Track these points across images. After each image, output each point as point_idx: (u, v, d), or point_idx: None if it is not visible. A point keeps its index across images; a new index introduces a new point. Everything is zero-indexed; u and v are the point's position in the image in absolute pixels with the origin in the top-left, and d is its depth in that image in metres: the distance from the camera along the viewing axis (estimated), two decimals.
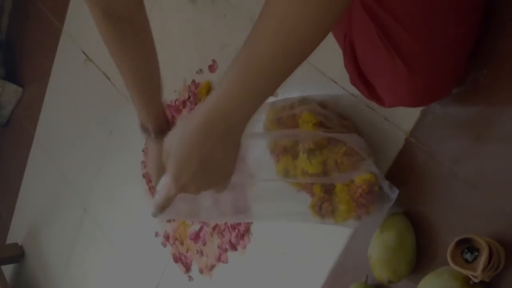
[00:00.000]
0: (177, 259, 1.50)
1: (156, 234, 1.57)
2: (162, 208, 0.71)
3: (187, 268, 1.47)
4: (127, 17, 0.91)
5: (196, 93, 1.39)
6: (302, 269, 1.16)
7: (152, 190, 1.55)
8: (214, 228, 1.36)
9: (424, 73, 0.77)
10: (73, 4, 1.93)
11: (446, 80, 0.81)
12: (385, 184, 0.92)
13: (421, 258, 0.92)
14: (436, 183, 0.91)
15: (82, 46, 1.90)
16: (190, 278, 1.46)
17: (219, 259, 1.36)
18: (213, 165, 0.65)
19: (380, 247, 0.92)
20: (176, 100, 1.45)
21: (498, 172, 0.83)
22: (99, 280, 1.92)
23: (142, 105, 1.01)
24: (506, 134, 0.82)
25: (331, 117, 0.98)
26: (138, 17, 0.94)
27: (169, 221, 1.52)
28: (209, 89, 1.36)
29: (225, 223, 1.33)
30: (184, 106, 1.44)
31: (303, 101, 1.00)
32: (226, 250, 1.33)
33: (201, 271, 1.42)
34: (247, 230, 1.28)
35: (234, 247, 1.31)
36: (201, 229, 1.41)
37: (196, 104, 1.39)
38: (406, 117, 0.94)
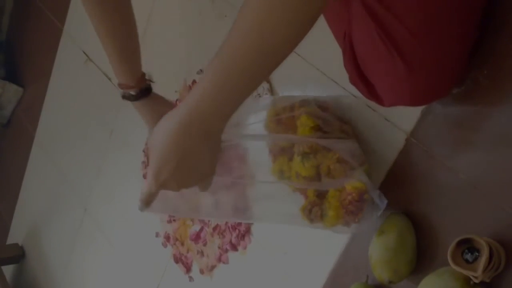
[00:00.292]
0: (177, 259, 1.50)
1: (157, 235, 1.57)
2: (146, 203, 0.74)
3: (188, 269, 1.47)
4: None
5: None
6: (303, 269, 1.16)
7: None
8: (214, 228, 1.36)
9: (424, 72, 0.77)
10: (73, 4, 1.93)
11: (446, 79, 0.81)
12: (375, 193, 0.93)
13: (422, 258, 0.92)
14: (436, 183, 0.91)
15: (82, 46, 1.90)
16: (191, 278, 1.46)
17: (219, 260, 1.36)
18: (192, 163, 0.68)
19: (380, 247, 0.92)
20: (177, 100, 1.45)
21: (498, 172, 0.83)
22: (99, 280, 1.92)
23: (121, 63, 1.04)
24: (506, 134, 0.82)
25: (330, 121, 0.98)
26: None
27: (169, 221, 1.52)
28: None
29: (226, 224, 1.33)
30: None
31: (304, 102, 1.00)
32: (226, 251, 1.33)
33: (201, 272, 1.42)
34: (248, 231, 1.28)
35: (234, 247, 1.31)
36: (201, 229, 1.41)
37: None
38: (406, 117, 0.94)
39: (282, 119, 0.99)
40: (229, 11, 1.29)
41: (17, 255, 2.40)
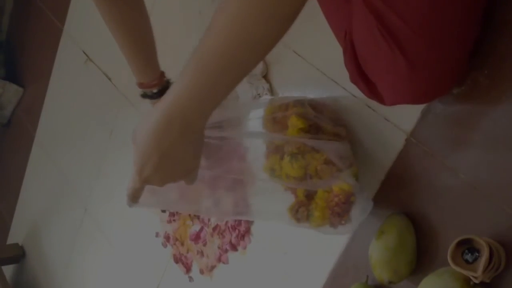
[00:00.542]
0: (177, 259, 1.50)
1: (157, 235, 1.57)
2: (133, 198, 0.76)
3: (188, 269, 1.47)
4: None
5: None
6: (303, 269, 1.16)
7: None
8: (214, 228, 1.36)
9: (425, 69, 0.77)
10: (73, 4, 1.93)
11: (447, 76, 0.81)
12: (362, 196, 0.93)
13: (422, 258, 0.92)
14: (436, 183, 0.91)
15: (82, 46, 1.90)
16: (191, 278, 1.46)
17: (219, 260, 1.36)
18: (174, 159, 0.68)
19: (380, 247, 0.92)
20: None
21: (498, 172, 0.83)
22: (99, 280, 1.92)
23: (140, 62, 1.04)
24: (506, 135, 0.82)
25: (322, 122, 0.98)
26: None
27: (169, 221, 1.52)
28: None
29: (226, 224, 1.32)
30: None
31: (297, 103, 1.00)
32: (226, 251, 1.33)
33: (201, 272, 1.42)
34: (247, 231, 1.28)
35: (234, 247, 1.31)
36: (201, 229, 1.41)
37: None
38: (406, 117, 0.94)
39: (277, 118, 1.00)
40: None
41: (17, 255, 2.40)
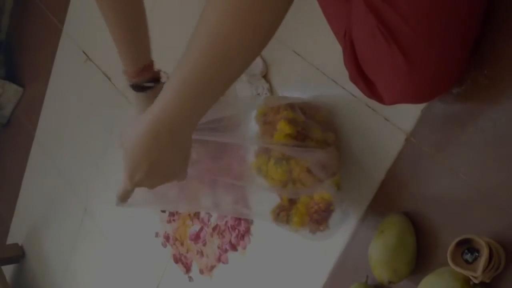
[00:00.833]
0: (177, 259, 1.50)
1: (156, 235, 1.57)
2: (122, 199, 0.80)
3: (187, 269, 1.47)
4: None
5: None
6: (302, 269, 1.16)
7: None
8: (214, 228, 1.36)
9: (424, 68, 0.77)
10: (73, 4, 1.93)
11: (446, 76, 0.81)
12: (341, 207, 0.96)
13: (421, 258, 0.92)
14: (436, 183, 0.91)
15: (82, 46, 1.89)
16: (190, 278, 1.46)
17: (219, 260, 1.36)
18: (163, 165, 0.71)
19: (380, 247, 0.92)
20: None
21: (498, 172, 0.83)
22: (99, 280, 1.92)
23: (130, 48, 0.99)
24: (506, 135, 0.82)
25: (311, 128, 0.99)
26: None
27: (169, 221, 1.52)
28: None
29: (225, 224, 1.32)
30: None
31: (289, 106, 1.01)
32: (226, 251, 1.33)
33: (201, 272, 1.42)
34: (247, 231, 1.28)
35: (234, 247, 1.31)
36: (201, 229, 1.41)
37: None
38: (406, 117, 0.94)
39: (268, 119, 1.01)
40: None
41: (17, 255, 2.40)
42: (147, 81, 1.01)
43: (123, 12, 0.96)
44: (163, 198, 0.98)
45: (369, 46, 0.80)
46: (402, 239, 0.91)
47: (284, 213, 0.98)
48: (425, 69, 0.77)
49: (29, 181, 2.35)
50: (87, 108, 1.93)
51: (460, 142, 0.88)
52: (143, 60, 1.01)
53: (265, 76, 1.20)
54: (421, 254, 0.92)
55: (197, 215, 1.42)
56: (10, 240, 2.53)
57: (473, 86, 0.85)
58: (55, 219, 2.18)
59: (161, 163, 0.70)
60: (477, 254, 0.80)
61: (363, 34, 0.80)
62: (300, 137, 0.97)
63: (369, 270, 0.94)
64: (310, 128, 0.99)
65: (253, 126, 1.02)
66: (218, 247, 1.35)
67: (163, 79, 1.04)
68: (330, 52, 1.00)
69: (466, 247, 0.81)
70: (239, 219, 1.28)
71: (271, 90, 1.19)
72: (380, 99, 0.86)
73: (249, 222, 1.27)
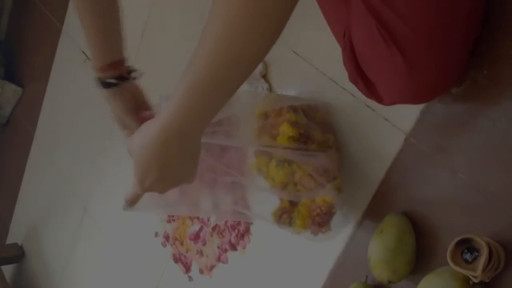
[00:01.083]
0: (177, 259, 1.50)
1: (156, 234, 1.57)
2: (131, 203, 0.79)
3: (187, 268, 1.47)
4: None
5: None
6: (302, 269, 1.16)
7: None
8: (214, 228, 1.36)
9: (424, 69, 0.77)
10: (72, 4, 1.93)
11: (446, 77, 0.81)
12: (342, 210, 0.97)
13: (421, 258, 0.92)
14: (435, 183, 0.91)
15: (81, 46, 1.89)
16: (190, 278, 1.46)
17: (219, 259, 1.36)
18: (173, 170, 0.71)
19: (379, 247, 0.92)
20: None
21: (497, 172, 0.83)
22: (98, 280, 1.92)
23: (101, 41, 0.96)
24: (505, 135, 0.82)
25: (312, 131, 0.99)
26: None
27: (169, 221, 1.52)
28: None
29: (225, 223, 1.33)
30: None
31: (291, 109, 1.01)
32: (226, 250, 1.33)
33: (201, 271, 1.42)
34: (247, 230, 1.28)
35: (234, 247, 1.31)
36: (201, 229, 1.41)
37: None
38: (405, 117, 0.94)
39: (269, 120, 1.01)
40: None
41: (17, 255, 2.40)
42: (111, 77, 0.97)
43: (94, 2, 0.93)
44: (164, 200, 0.97)
45: (369, 46, 0.80)
46: (401, 239, 0.91)
47: (286, 215, 0.98)
48: (424, 70, 0.77)
49: (28, 181, 2.35)
50: (86, 108, 1.93)
51: (460, 142, 0.88)
52: (111, 56, 0.97)
53: (265, 76, 1.20)
54: (420, 254, 0.92)
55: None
56: (9, 240, 2.53)
57: (472, 86, 0.85)
58: (55, 218, 2.18)
59: (172, 167, 0.70)
60: (476, 254, 0.80)
61: (362, 35, 0.80)
62: (302, 139, 0.97)
63: (368, 270, 0.95)
64: (312, 131, 0.99)
65: (253, 127, 1.02)
66: (218, 247, 1.35)
67: (136, 77, 1.00)
68: (330, 53, 1.00)
69: (466, 246, 0.81)
70: None
71: (270, 90, 1.19)
72: (379, 99, 0.86)
73: (248, 222, 1.27)
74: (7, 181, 2.53)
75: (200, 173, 0.77)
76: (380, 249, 0.92)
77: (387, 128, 0.97)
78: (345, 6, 0.84)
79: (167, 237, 1.53)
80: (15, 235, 2.49)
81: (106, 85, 0.98)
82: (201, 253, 1.41)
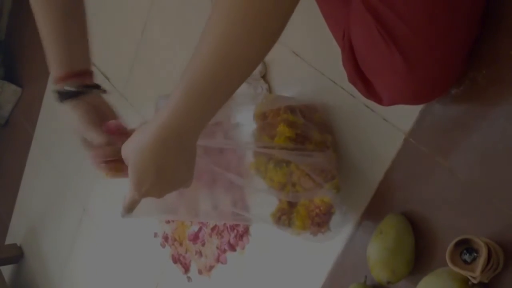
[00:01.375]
0: (176, 259, 1.50)
1: (155, 235, 1.57)
2: (129, 210, 0.78)
3: (186, 269, 1.47)
4: None
5: None
6: (301, 269, 1.16)
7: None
8: (213, 229, 1.36)
9: (423, 69, 0.77)
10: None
11: (445, 77, 0.81)
12: (341, 210, 0.97)
13: (420, 258, 0.92)
14: (435, 184, 0.91)
15: None
16: (189, 278, 1.46)
17: (218, 260, 1.36)
18: (170, 174, 0.70)
19: (379, 247, 0.92)
20: None
21: (496, 173, 0.83)
22: (98, 281, 1.92)
23: (57, 51, 0.87)
24: (504, 135, 0.82)
25: (310, 131, 0.99)
26: None
27: (168, 222, 1.52)
28: None
29: (224, 224, 1.32)
30: None
31: (289, 109, 1.01)
32: (225, 251, 1.33)
33: (200, 272, 1.42)
34: (246, 231, 1.27)
35: (233, 247, 1.31)
36: (200, 230, 1.41)
37: None
38: (405, 117, 0.94)
39: (268, 118, 1.01)
40: None
41: (16, 256, 2.40)
42: (71, 86, 0.87)
43: (54, 4, 0.86)
44: (163, 205, 0.97)
45: (368, 47, 0.80)
46: (400, 239, 0.91)
47: (285, 216, 0.98)
48: (424, 70, 0.77)
49: (27, 181, 2.35)
50: None
51: (459, 143, 0.88)
52: (73, 64, 0.88)
53: (264, 77, 1.20)
54: (419, 255, 0.92)
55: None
56: (8, 240, 2.52)
57: (471, 86, 0.85)
58: (54, 219, 2.18)
59: (169, 170, 0.70)
60: (475, 255, 0.80)
61: (361, 35, 0.80)
62: (300, 139, 0.98)
63: (367, 271, 0.94)
64: (309, 131, 0.99)
65: (251, 127, 1.02)
66: (217, 247, 1.35)
67: (102, 91, 0.91)
68: (329, 53, 1.00)
69: (465, 247, 0.81)
70: None
71: (270, 90, 1.19)
72: (378, 100, 0.86)
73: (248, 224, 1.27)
74: (6, 181, 2.53)
75: (198, 174, 0.77)
76: (379, 250, 0.92)
77: (387, 128, 0.97)
78: (344, 7, 0.84)
79: (166, 238, 1.53)
80: (14, 236, 2.49)
81: (64, 96, 0.87)
82: (200, 253, 1.41)
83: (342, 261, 1.06)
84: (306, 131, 0.99)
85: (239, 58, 0.61)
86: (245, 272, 1.30)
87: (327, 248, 1.07)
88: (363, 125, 1.01)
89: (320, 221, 0.96)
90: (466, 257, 0.81)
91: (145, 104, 1.55)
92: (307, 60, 1.11)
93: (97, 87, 0.91)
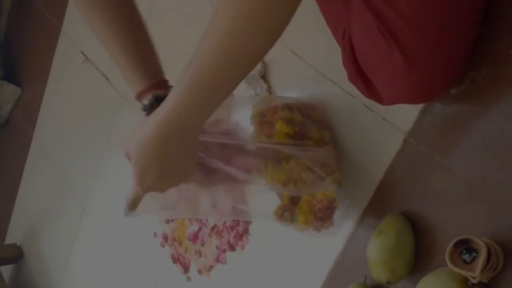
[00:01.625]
0: (175, 259, 1.50)
1: (155, 235, 1.57)
2: (132, 206, 0.78)
3: (186, 269, 1.47)
4: None
5: None
6: (301, 269, 1.16)
7: None
8: (212, 228, 1.36)
9: (423, 68, 0.77)
10: (71, 4, 1.93)
11: (445, 76, 0.81)
12: (344, 204, 0.96)
13: (420, 258, 0.92)
14: (434, 184, 0.91)
15: (80, 46, 1.89)
16: (189, 278, 1.46)
17: (217, 260, 1.36)
18: (172, 168, 0.71)
19: (378, 247, 0.92)
20: None
21: (496, 173, 0.83)
22: (97, 281, 1.92)
23: (135, 65, 0.87)
24: (504, 135, 0.82)
25: (308, 127, 0.99)
26: None
27: (167, 221, 1.52)
28: None
29: (224, 224, 1.32)
30: None
31: (286, 107, 1.01)
32: (224, 251, 1.33)
33: (199, 272, 1.42)
34: (246, 231, 1.27)
35: (232, 247, 1.31)
36: (199, 229, 1.41)
37: None
38: (404, 117, 0.94)
39: (266, 117, 1.02)
40: None
41: (15, 256, 2.40)
42: (151, 99, 0.86)
43: (115, 23, 0.86)
44: (164, 202, 0.97)
45: (369, 46, 0.80)
46: (400, 239, 0.91)
47: (288, 213, 0.97)
48: (424, 69, 0.77)
49: (27, 181, 2.35)
50: (86, 108, 1.93)
51: (459, 142, 0.88)
52: (150, 77, 0.87)
53: (264, 76, 1.20)
54: (419, 254, 0.92)
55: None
56: (8, 240, 2.52)
57: (471, 86, 0.85)
58: (53, 219, 2.18)
59: (171, 165, 0.70)
60: (475, 254, 0.80)
61: (362, 34, 0.80)
62: (298, 136, 0.97)
63: (367, 270, 0.94)
64: (307, 128, 0.99)
65: (249, 127, 1.02)
66: (217, 247, 1.35)
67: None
68: (329, 53, 1.00)
69: (464, 247, 0.81)
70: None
71: (269, 90, 1.19)
72: (379, 100, 0.86)
73: (247, 222, 1.27)
74: (5, 181, 2.53)
75: (198, 171, 0.77)
76: (379, 250, 0.92)
77: (386, 128, 0.97)
78: (344, 6, 0.84)
79: (165, 238, 1.53)
80: (13, 236, 2.49)
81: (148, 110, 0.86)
82: (199, 253, 1.41)
83: (341, 261, 1.06)
84: (304, 128, 0.99)
85: (243, 54, 0.61)
86: (244, 272, 1.30)
87: (327, 248, 1.07)
88: (362, 125, 1.01)
89: (323, 216, 0.95)
90: (466, 257, 0.81)
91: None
92: (307, 60, 1.11)
93: None
